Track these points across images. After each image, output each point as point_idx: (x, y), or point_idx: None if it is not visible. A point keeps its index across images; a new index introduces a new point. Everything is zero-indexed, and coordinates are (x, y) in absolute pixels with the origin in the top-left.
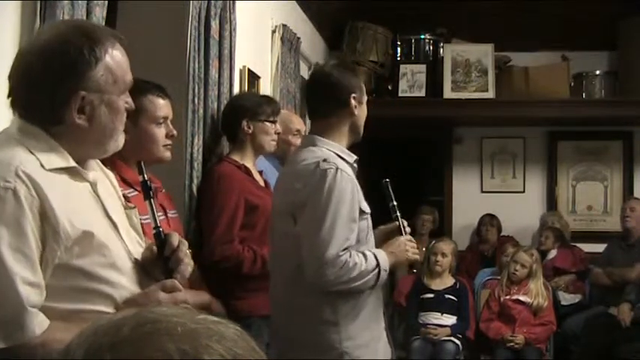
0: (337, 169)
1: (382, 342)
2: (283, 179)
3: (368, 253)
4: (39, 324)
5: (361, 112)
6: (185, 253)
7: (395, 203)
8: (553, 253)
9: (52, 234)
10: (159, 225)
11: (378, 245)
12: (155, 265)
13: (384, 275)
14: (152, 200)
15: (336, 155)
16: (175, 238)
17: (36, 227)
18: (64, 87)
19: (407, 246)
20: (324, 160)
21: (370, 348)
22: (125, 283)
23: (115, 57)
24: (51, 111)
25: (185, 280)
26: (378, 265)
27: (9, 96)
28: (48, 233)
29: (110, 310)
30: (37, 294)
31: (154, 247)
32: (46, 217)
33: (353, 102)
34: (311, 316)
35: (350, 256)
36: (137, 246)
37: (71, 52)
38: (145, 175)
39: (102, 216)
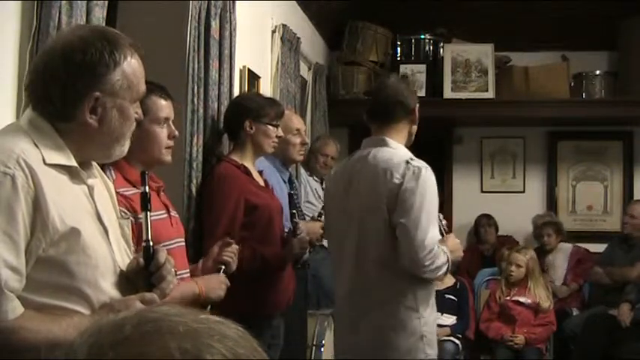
0: (427, 167)
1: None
2: (362, 177)
3: (439, 246)
4: (12, 309)
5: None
6: (169, 270)
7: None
8: (564, 251)
9: (41, 225)
10: (150, 239)
11: None
12: (139, 276)
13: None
14: (148, 213)
15: None
16: (163, 256)
17: (27, 216)
18: (80, 85)
19: (459, 245)
20: (412, 159)
21: (435, 331)
22: (105, 287)
23: (132, 65)
24: (64, 107)
25: (165, 296)
26: (448, 258)
27: (26, 89)
28: (37, 223)
29: (85, 311)
30: (16, 280)
31: (141, 259)
32: (38, 207)
33: (417, 112)
34: (396, 303)
35: (437, 246)
36: (125, 255)
37: (92, 53)
38: (147, 188)
39: (93, 219)
